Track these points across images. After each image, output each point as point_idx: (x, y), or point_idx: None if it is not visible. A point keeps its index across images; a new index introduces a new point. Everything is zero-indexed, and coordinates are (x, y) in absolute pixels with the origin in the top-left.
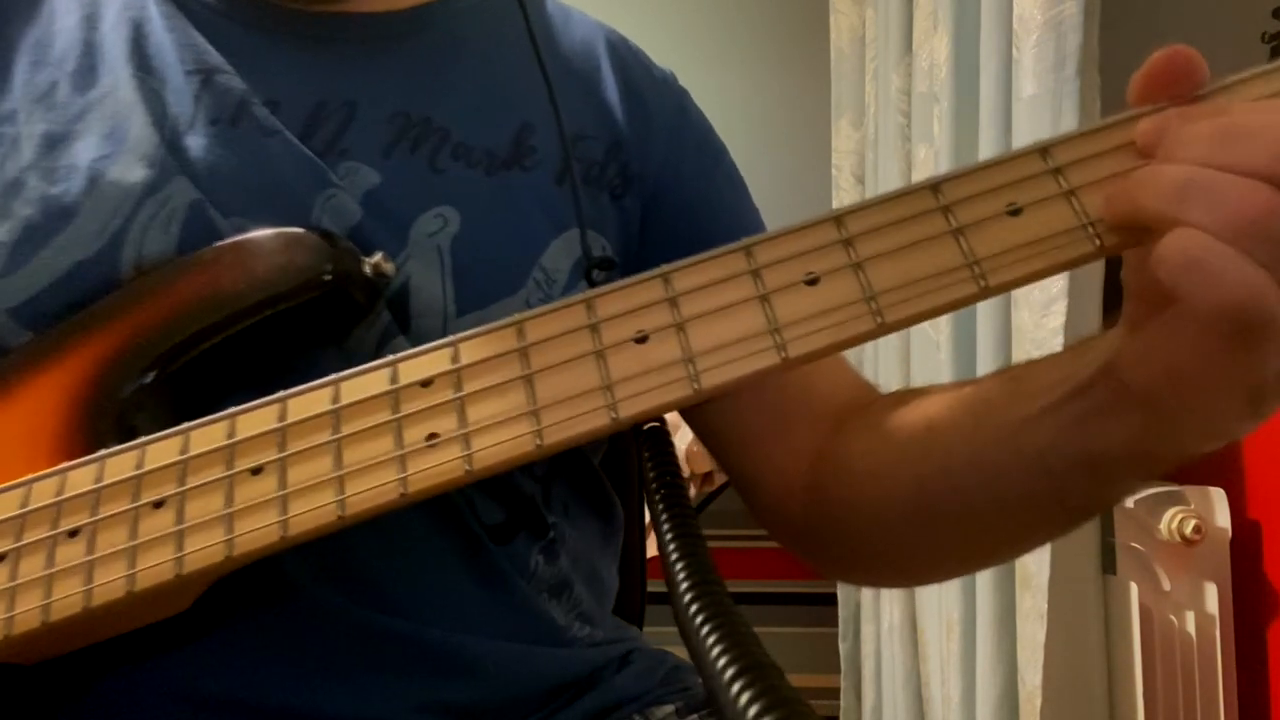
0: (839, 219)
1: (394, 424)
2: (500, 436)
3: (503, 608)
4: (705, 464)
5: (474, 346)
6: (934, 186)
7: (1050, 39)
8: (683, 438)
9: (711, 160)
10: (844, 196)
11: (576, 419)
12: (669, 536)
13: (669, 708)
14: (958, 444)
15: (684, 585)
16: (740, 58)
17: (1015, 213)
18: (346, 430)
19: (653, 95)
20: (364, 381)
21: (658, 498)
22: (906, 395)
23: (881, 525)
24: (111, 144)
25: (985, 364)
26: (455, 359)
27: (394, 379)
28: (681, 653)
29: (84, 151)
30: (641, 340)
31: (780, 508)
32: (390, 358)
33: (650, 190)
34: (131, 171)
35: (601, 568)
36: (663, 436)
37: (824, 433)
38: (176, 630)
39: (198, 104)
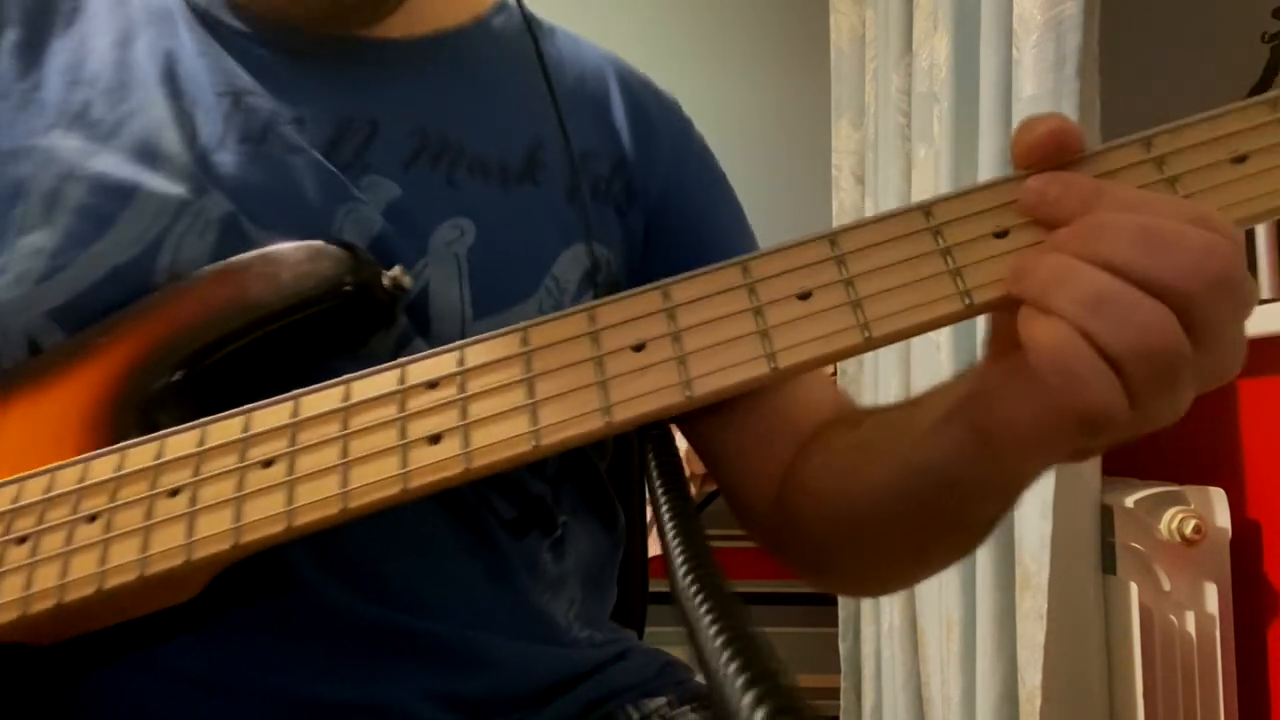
0: (833, 238)
1: (399, 421)
2: (499, 435)
3: (510, 604)
4: None
5: (480, 350)
6: (925, 209)
7: (1050, 39)
8: (682, 438)
9: (711, 182)
10: (844, 196)
11: (573, 420)
12: (676, 548)
13: (661, 699)
14: (875, 464)
15: (691, 587)
16: (740, 58)
17: (1002, 235)
18: (354, 426)
19: (659, 117)
20: (374, 381)
21: (663, 501)
22: (859, 415)
23: (826, 538)
24: (148, 159)
25: None
26: (461, 362)
27: (402, 380)
28: (679, 654)
29: (119, 166)
30: (639, 348)
31: (756, 516)
32: (400, 360)
33: (654, 206)
34: (169, 185)
35: (604, 574)
36: (668, 441)
37: (799, 445)
38: (184, 617)
39: (228, 123)
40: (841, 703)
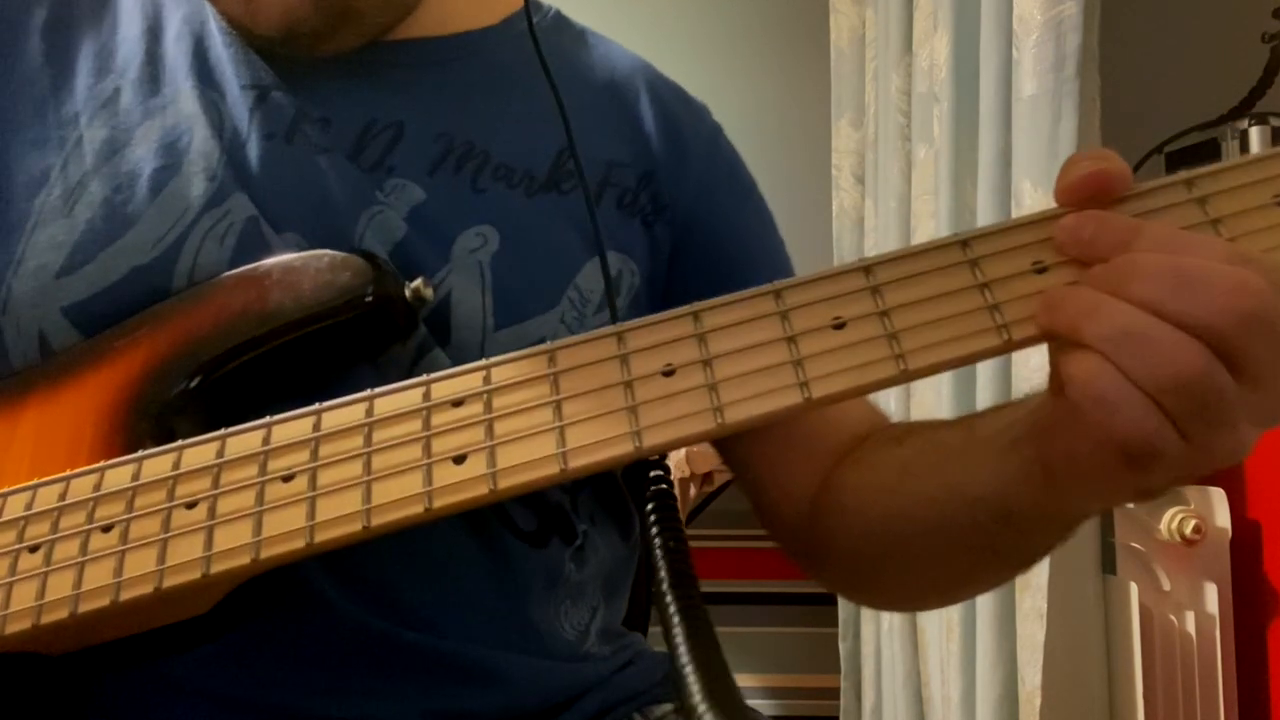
0: (867, 268)
1: (423, 439)
2: (526, 456)
3: (521, 621)
4: (705, 464)
5: (506, 370)
6: (963, 242)
7: (1050, 39)
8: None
9: (743, 193)
10: (844, 196)
11: (601, 445)
12: (679, 632)
13: (668, 706)
14: (920, 487)
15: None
16: (740, 58)
17: (1041, 271)
18: (378, 442)
19: (689, 128)
20: (397, 398)
21: (661, 562)
22: (899, 431)
23: (859, 555)
24: (174, 154)
25: (985, 379)
26: (487, 380)
27: (427, 396)
28: None
29: (146, 160)
30: (669, 374)
31: (786, 525)
32: (425, 377)
33: (682, 220)
34: (194, 184)
35: (621, 582)
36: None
37: (833, 461)
38: (198, 630)
39: (252, 118)
40: (841, 703)
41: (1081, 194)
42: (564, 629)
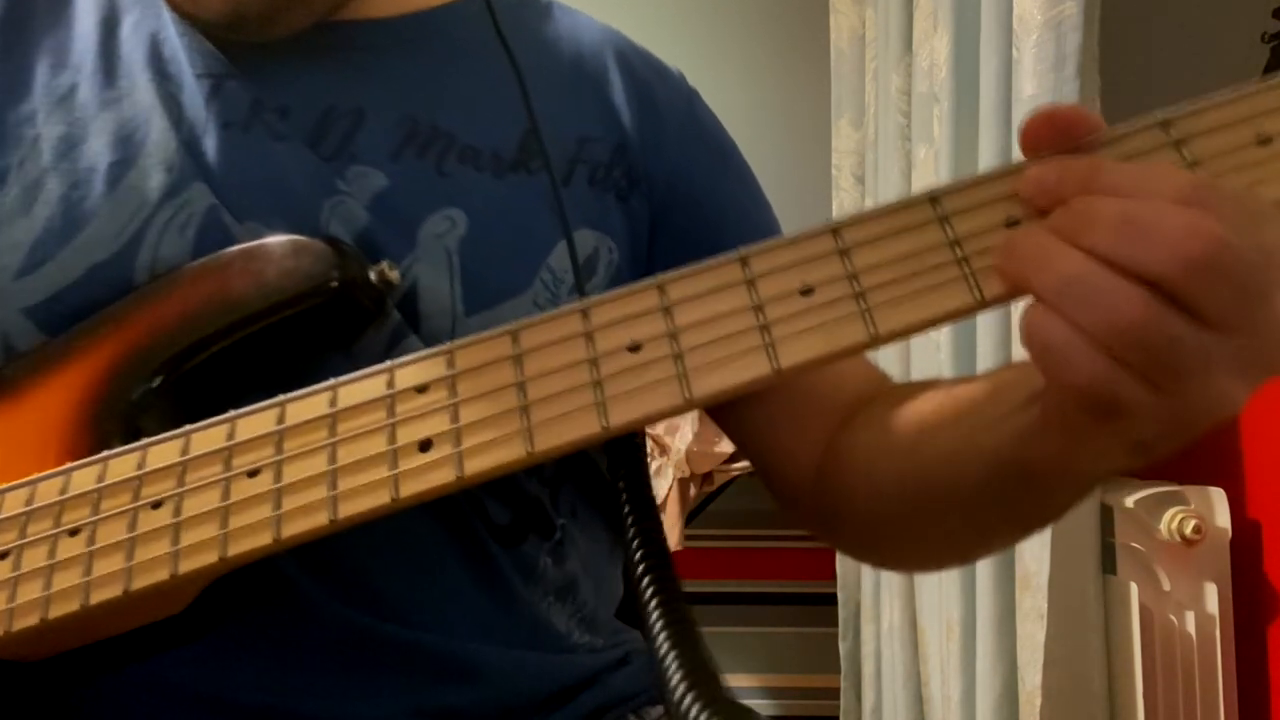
0: (835, 230)
1: (387, 428)
2: (491, 442)
3: (503, 613)
4: (705, 464)
5: (469, 353)
6: (932, 198)
7: (1050, 39)
8: (682, 438)
9: (721, 160)
10: (844, 196)
11: (567, 425)
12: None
13: (662, 708)
14: (939, 444)
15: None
16: (740, 58)
17: (1014, 224)
18: (342, 433)
19: (663, 96)
20: (361, 387)
21: (632, 537)
22: (910, 390)
23: (873, 515)
24: (130, 147)
25: (985, 364)
26: (450, 365)
27: (390, 384)
28: None
29: (102, 154)
30: (635, 349)
31: (794, 492)
32: (388, 363)
33: (660, 192)
34: (150, 176)
35: (609, 573)
36: (638, 465)
37: (836, 423)
38: (175, 630)
39: (209, 107)
40: (841, 703)
41: (1041, 140)
42: (548, 621)
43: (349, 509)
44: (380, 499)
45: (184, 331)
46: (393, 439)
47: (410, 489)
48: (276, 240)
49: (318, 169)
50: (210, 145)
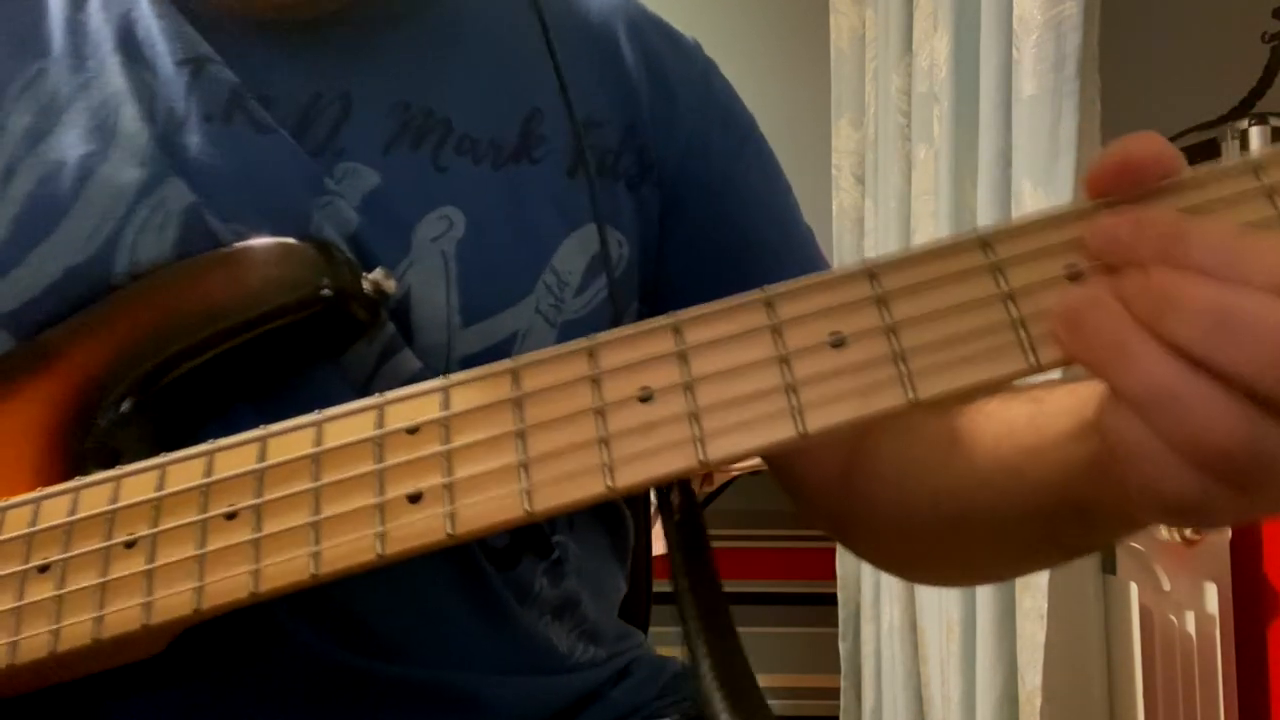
0: (873, 273)
1: (375, 476)
2: (486, 499)
3: (501, 639)
4: None
5: (466, 392)
6: (984, 242)
7: (1050, 39)
8: None
9: (739, 139)
10: (844, 197)
11: (569, 486)
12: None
13: None
14: (975, 463)
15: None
16: (740, 58)
17: (1076, 277)
18: (326, 478)
19: (676, 70)
20: (348, 424)
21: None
22: None
23: (900, 528)
24: (101, 138)
25: None
26: (445, 404)
27: (380, 422)
28: (683, 654)
29: (72, 145)
30: (646, 399)
31: (817, 499)
32: (377, 398)
33: (672, 175)
34: (124, 170)
35: (609, 580)
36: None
37: (864, 431)
38: (154, 669)
39: (189, 97)
40: (841, 703)
41: (1111, 181)
42: (547, 641)
43: (332, 566)
44: (365, 556)
45: (163, 343)
46: (381, 490)
47: (397, 547)
48: (263, 244)
49: (305, 166)
50: (189, 139)
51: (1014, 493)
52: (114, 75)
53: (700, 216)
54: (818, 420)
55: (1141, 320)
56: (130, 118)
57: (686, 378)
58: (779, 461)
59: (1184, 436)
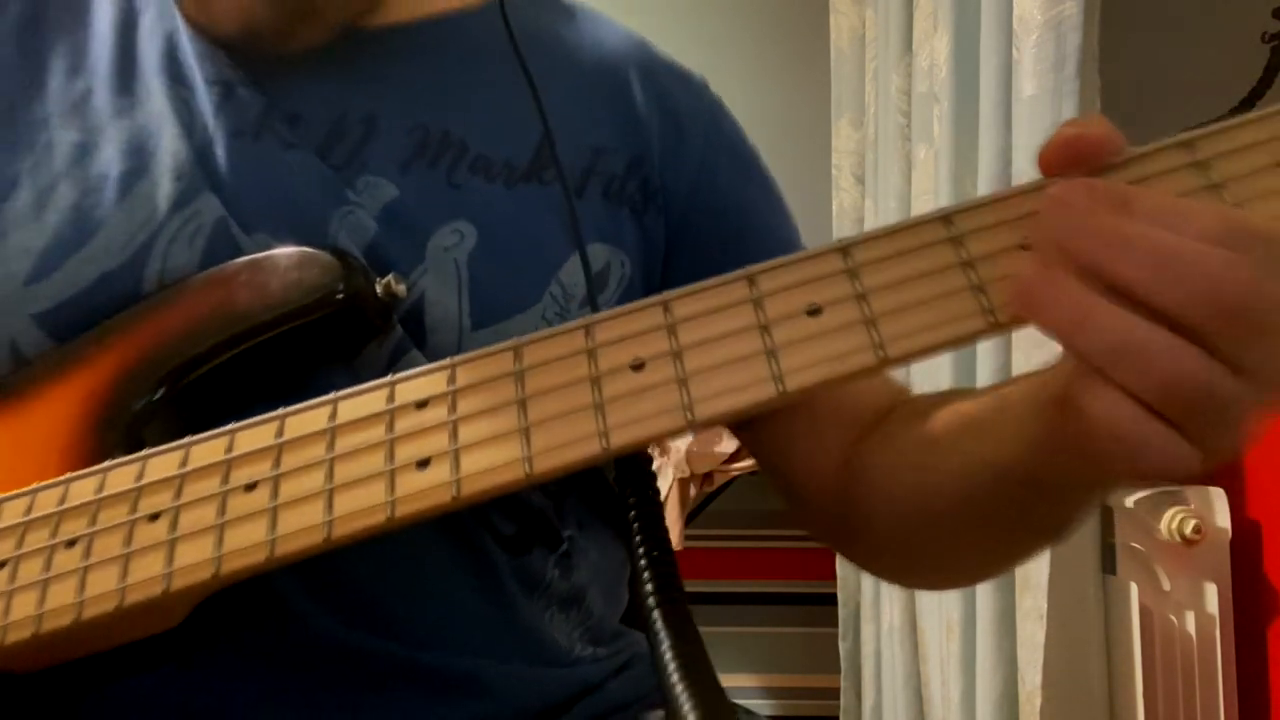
0: (844, 249)
1: (386, 444)
2: (490, 462)
3: (504, 626)
4: (705, 465)
5: (471, 369)
6: (945, 218)
7: (1050, 39)
8: (682, 438)
9: (744, 171)
10: (844, 197)
11: (568, 448)
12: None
13: (661, 712)
14: (949, 461)
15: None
16: (740, 58)
17: (1028, 247)
18: (340, 449)
19: (686, 107)
20: (361, 401)
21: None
22: (924, 405)
23: (890, 531)
24: (142, 156)
25: (985, 365)
26: (451, 380)
27: (391, 399)
28: None
29: (115, 162)
30: (638, 367)
31: (812, 505)
32: (389, 378)
33: (680, 206)
34: (161, 185)
35: (617, 581)
36: (647, 482)
37: (855, 436)
38: (168, 646)
39: (219, 116)
40: (841, 703)
41: (1065, 158)
42: (552, 634)
43: (344, 529)
44: (376, 519)
45: (188, 343)
46: (391, 457)
47: (406, 509)
48: (283, 252)
49: (328, 179)
50: (220, 155)
51: (982, 481)
52: (157, 96)
53: (707, 239)
54: (796, 381)
55: (1093, 267)
56: (170, 135)
57: (675, 347)
58: (780, 475)
59: (1151, 384)
